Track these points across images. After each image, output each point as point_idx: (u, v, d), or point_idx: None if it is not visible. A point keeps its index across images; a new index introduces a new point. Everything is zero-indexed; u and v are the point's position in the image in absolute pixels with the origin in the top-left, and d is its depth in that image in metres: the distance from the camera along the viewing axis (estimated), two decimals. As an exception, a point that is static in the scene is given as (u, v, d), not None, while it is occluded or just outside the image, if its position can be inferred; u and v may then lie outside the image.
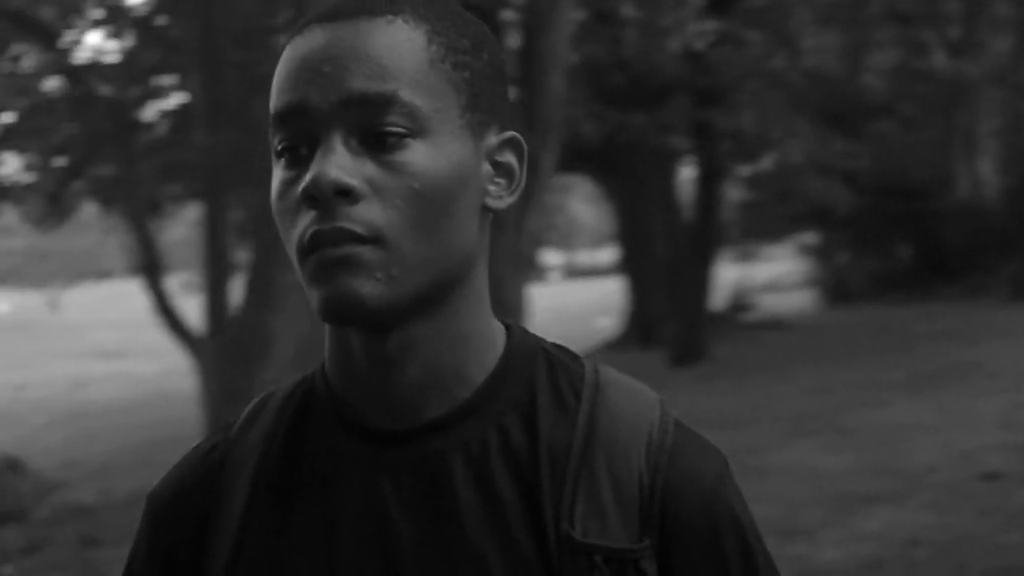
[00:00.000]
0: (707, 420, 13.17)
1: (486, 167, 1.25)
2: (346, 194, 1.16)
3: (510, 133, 1.27)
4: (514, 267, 13.24)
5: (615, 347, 20.97)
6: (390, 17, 1.20)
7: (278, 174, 1.20)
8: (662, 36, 14.81)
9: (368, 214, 1.16)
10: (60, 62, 12.94)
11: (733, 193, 22.73)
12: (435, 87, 1.19)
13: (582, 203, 44.34)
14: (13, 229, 22.65)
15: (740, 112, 16.22)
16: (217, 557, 1.27)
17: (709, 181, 18.27)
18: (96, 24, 14.18)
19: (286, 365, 6.16)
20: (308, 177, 1.15)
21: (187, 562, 1.29)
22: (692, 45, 15.68)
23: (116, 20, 14.07)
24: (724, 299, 22.65)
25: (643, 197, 20.27)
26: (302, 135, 1.18)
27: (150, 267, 11.99)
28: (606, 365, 1.32)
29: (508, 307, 13.06)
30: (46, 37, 13.31)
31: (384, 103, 1.17)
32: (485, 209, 1.25)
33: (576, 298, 36.34)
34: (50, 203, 14.79)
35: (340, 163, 1.16)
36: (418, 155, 1.18)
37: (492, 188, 1.25)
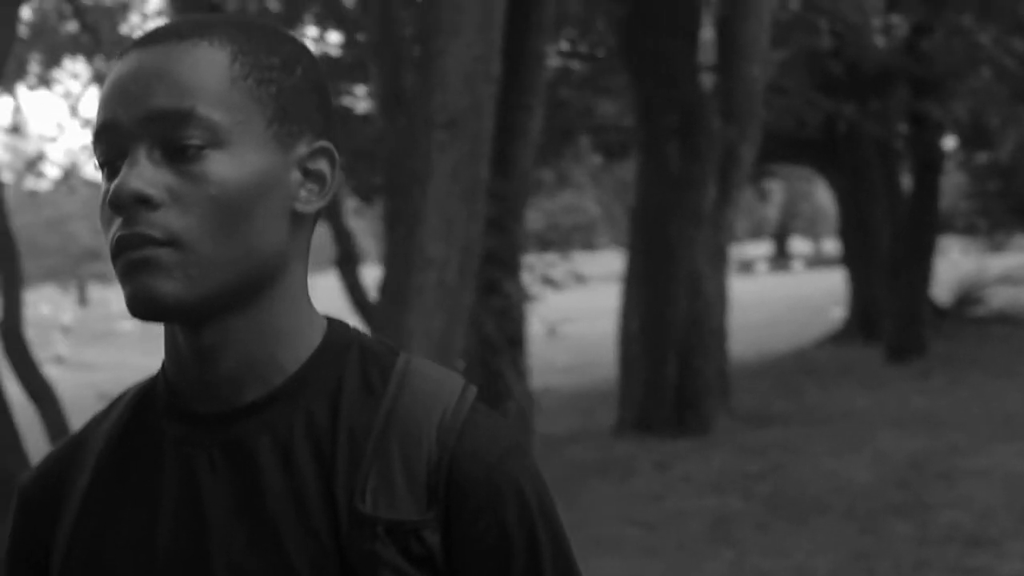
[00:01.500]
0: (912, 419, 12.83)
1: (295, 174, 1.35)
2: (145, 202, 1.27)
3: (321, 143, 1.37)
4: (713, 260, 13.04)
5: (838, 340, 20.59)
6: (196, 40, 1.31)
7: (102, 186, 1.31)
8: (859, 29, 14.39)
9: (166, 220, 1.27)
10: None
11: (955, 183, 21.93)
12: (236, 102, 1.30)
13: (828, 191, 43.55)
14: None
15: (956, 101, 15.66)
16: (59, 542, 1.40)
17: (926, 172, 17.72)
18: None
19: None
20: (111, 188, 1.27)
21: (41, 549, 1.42)
22: (898, 35, 15.19)
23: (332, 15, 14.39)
24: (951, 292, 21.95)
25: (865, 188, 19.80)
26: (115, 150, 1.30)
27: (346, 259, 12.21)
28: (421, 359, 1.42)
29: (708, 300, 12.91)
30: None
31: (182, 118, 1.28)
32: (295, 213, 1.35)
33: (818, 287, 35.77)
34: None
35: (141, 174, 1.27)
36: (216, 165, 1.28)
37: (302, 194, 1.35)
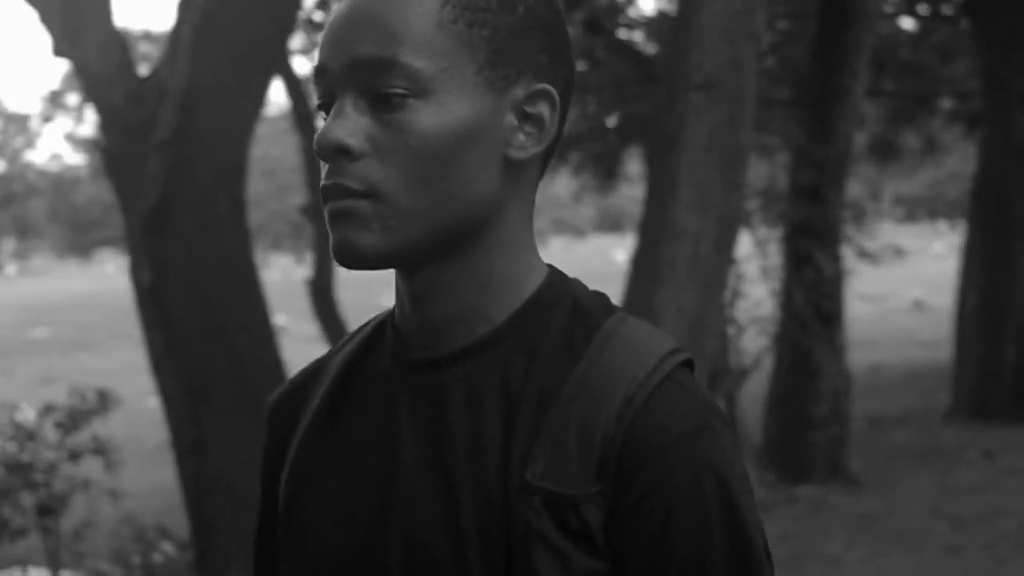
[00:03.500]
0: None
1: (510, 118, 1.30)
2: (346, 152, 1.26)
3: (541, 85, 1.31)
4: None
5: None
6: None
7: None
8: None
9: (366, 171, 1.26)
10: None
11: None
12: (443, 48, 1.27)
13: None
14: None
15: None
16: (290, 458, 1.44)
17: None
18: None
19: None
20: (315, 137, 1.27)
21: (281, 462, 1.46)
22: None
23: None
24: None
25: None
26: (327, 95, 1.30)
27: (319, 278, 11.62)
28: (637, 320, 1.34)
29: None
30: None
31: (385, 66, 1.25)
32: (509, 159, 1.31)
33: None
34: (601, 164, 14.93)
35: (344, 123, 1.27)
36: (418, 115, 1.26)
37: (519, 138, 1.31)
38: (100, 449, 8.63)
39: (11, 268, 57.80)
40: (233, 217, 7.78)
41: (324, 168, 1.29)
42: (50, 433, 8.47)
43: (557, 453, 1.26)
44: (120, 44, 7.96)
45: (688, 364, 1.33)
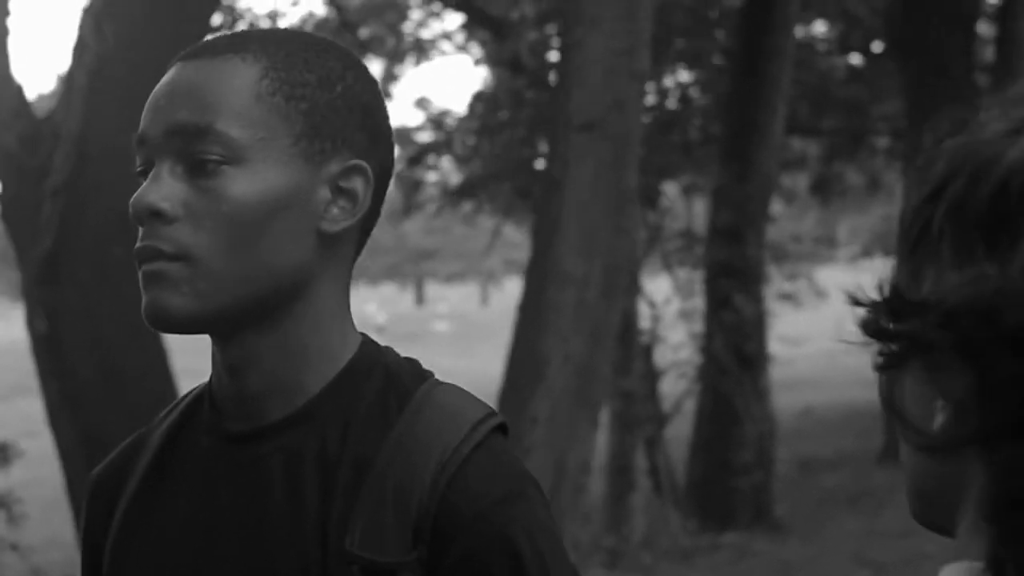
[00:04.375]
0: None
1: (324, 192, 1.34)
2: (159, 215, 1.29)
3: (355, 161, 1.35)
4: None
5: None
6: (229, 55, 1.34)
7: None
8: None
9: (179, 234, 1.29)
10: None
11: None
12: (259, 119, 1.32)
13: None
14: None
15: None
16: (112, 532, 1.44)
17: None
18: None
19: (560, 393, 5.58)
20: (131, 201, 1.30)
21: (102, 536, 1.46)
22: None
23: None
24: None
25: None
26: (147, 161, 1.33)
27: None
28: (450, 386, 1.37)
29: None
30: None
31: (201, 133, 1.30)
32: (322, 232, 1.34)
33: None
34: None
35: (159, 188, 1.30)
36: (231, 181, 1.30)
37: (333, 212, 1.34)
38: (1, 502, 8.40)
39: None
40: (128, 264, 7.57)
41: (140, 232, 1.31)
42: (-53, 487, 8.24)
43: (373, 521, 1.29)
44: (15, 88, 7.77)
45: (502, 429, 1.36)
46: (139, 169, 1.34)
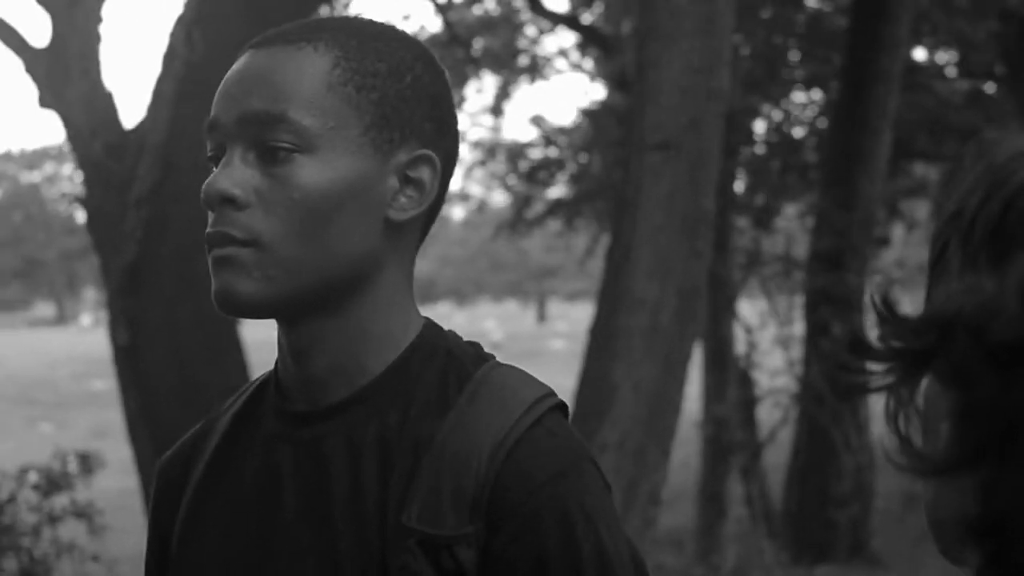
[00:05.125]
0: None
1: (392, 181, 1.37)
2: (231, 201, 1.32)
3: (423, 151, 1.38)
4: None
5: None
6: (302, 44, 1.36)
7: None
8: None
9: (250, 220, 1.32)
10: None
11: None
12: (330, 108, 1.34)
13: None
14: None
15: None
16: (179, 519, 1.46)
17: None
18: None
19: (630, 421, 5.39)
20: (203, 187, 1.32)
21: (170, 524, 1.48)
22: None
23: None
24: None
25: None
26: (219, 148, 1.36)
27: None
28: (509, 367, 1.39)
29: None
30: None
31: (274, 121, 1.32)
32: (389, 220, 1.36)
33: None
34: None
35: (231, 174, 1.32)
36: (302, 169, 1.32)
37: (400, 200, 1.37)
38: (81, 512, 8.39)
39: (87, 319, 58.15)
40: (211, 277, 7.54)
41: (211, 217, 1.33)
42: (30, 495, 8.25)
43: (431, 497, 1.31)
44: (105, 97, 7.77)
45: (561, 408, 1.37)
46: (210, 155, 1.37)
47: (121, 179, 7.43)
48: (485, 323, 44.63)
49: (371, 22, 1.46)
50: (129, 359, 7.39)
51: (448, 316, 54.61)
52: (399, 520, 1.31)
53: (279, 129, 1.32)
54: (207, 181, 1.33)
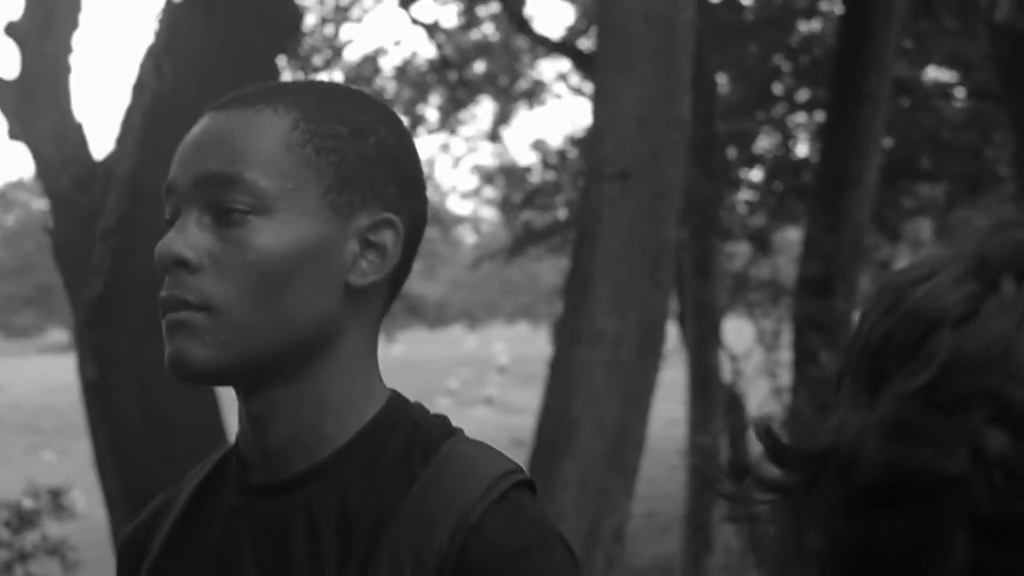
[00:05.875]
0: None
1: (352, 245, 1.33)
2: (184, 264, 1.29)
3: (385, 214, 1.35)
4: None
5: None
6: (261, 106, 1.34)
7: None
8: None
9: (203, 284, 1.29)
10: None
11: None
12: (288, 169, 1.31)
13: None
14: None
15: None
16: None
17: None
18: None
19: (592, 457, 5.26)
20: (156, 249, 1.30)
21: None
22: None
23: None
24: None
25: None
26: (175, 209, 1.33)
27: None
28: (476, 442, 1.35)
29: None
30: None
31: (229, 182, 1.30)
32: (349, 285, 1.33)
33: None
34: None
35: (185, 237, 1.30)
36: (258, 232, 1.29)
37: (361, 265, 1.34)
38: (53, 550, 8.26)
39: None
40: (180, 310, 7.41)
41: (165, 281, 1.30)
42: (1, 531, 8.13)
43: (392, 572, 1.27)
44: (75, 128, 7.67)
45: (527, 485, 1.33)
46: (167, 219, 1.34)
47: (89, 211, 7.32)
48: (494, 346, 44.46)
49: (336, 85, 1.45)
50: (97, 394, 7.28)
51: (460, 339, 54.44)
52: None
53: (234, 190, 1.29)
54: (160, 243, 1.30)
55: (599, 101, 5.20)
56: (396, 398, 1.39)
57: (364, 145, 1.35)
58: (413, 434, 1.36)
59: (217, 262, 1.29)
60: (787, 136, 14.88)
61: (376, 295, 1.37)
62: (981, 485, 0.76)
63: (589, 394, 5.17)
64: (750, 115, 13.77)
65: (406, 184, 1.38)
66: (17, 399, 31.78)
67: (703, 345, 9.87)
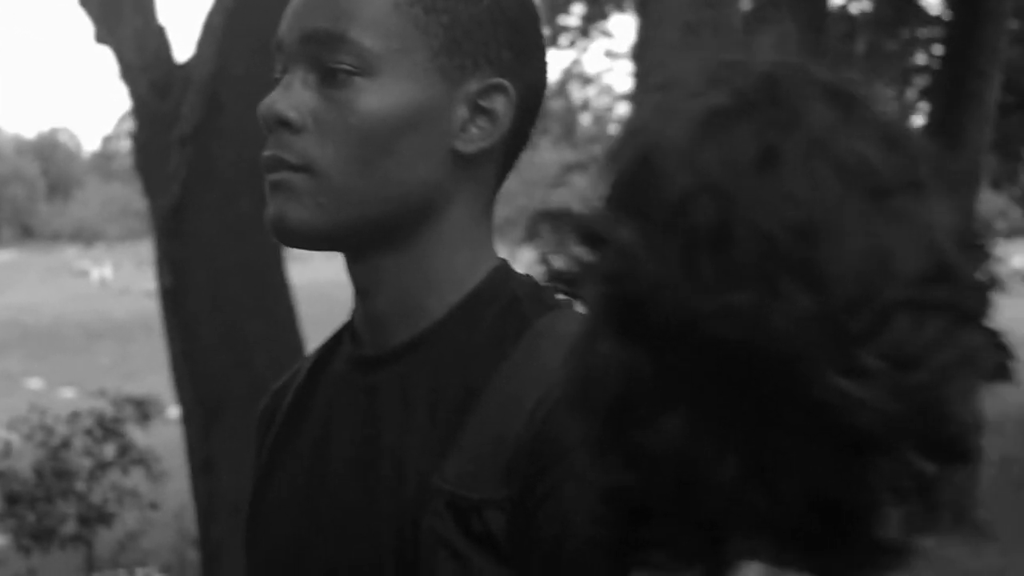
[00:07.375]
0: None
1: (461, 110, 1.28)
2: (287, 124, 1.25)
3: (498, 79, 1.29)
4: None
5: None
6: None
7: None
8: None
9: (304, 144, 1.25)
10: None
11: None
12: (396, 30, 1.26)
13: None
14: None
15: None
16: (258, 467, 1.44)
17: None
18: None
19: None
20: (259, 107, 1.27)
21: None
22: None
23: None
24: None
25: None
26: (283, 68, 1.29)
27: None
28: (578, 314, 1.21)
29: None
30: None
31: (335, 41, 1.25)
32: (456, 151, 1.28)
33: None
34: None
35: (288, 96, 1.26)
36: (362, 93, 1.25)
37: (470, 131, 1.28)
38: (138, 459, 8.21)
39: (107, 270, 56.13)
40: (257, 219, 7.22)
41: (268, 139, 1.27)
42: (82, 441, 8.09)
43: (469, 455, 1.23)
44: (157, 32, 7.49)
45: None
46: (276, 77, 1.30)
47: (167, 117, 7.16)
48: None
49: None
50: (173, 302, 7.16)
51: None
52: (428, 476, 1.24)
53: (340, 50, 1.25)
54: (263, 101, 1.26)
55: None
56: (502, 268, 1.34)
57: (477, 6, 1.29)
58: (510, 307, 1.31)
59: (320, 123, 1.25)
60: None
61: (487, 163, 1.32)
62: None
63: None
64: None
65: (522, 48, 1.32)
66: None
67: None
